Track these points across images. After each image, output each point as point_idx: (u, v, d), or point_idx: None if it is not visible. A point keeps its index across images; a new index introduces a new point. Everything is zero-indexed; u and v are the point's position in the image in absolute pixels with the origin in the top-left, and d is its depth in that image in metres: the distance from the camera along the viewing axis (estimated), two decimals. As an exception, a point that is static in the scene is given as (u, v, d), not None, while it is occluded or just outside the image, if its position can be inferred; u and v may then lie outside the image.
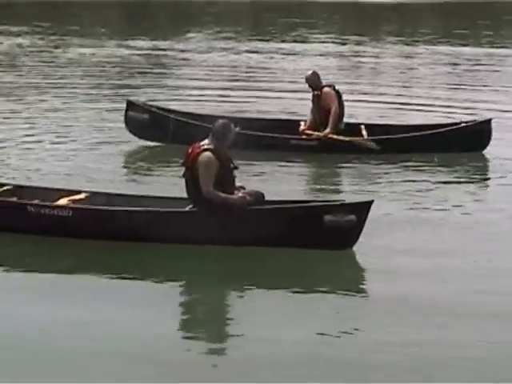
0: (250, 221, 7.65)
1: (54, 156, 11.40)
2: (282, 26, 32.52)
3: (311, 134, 11.76)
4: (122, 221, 7.83)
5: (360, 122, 12.50)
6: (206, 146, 7.77)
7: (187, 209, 7.89)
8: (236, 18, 37.23)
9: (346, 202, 7.90)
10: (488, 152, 12.02)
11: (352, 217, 7.61)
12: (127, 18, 40.26)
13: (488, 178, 11.27)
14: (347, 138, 11.58)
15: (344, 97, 12.12)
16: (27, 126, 13.12)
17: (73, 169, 10.76)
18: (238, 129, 11.27)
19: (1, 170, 10.47)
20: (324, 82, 12.01)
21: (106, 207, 8.03)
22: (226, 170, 7.79)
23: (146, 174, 10.82)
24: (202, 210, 7.73)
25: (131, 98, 12.77)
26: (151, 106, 12.37)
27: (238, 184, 8.00)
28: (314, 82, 11.90)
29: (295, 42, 26.92)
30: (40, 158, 11.25)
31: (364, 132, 11.99)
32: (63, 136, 12.56)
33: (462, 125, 12.06)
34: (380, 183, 10.51)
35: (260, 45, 25.66)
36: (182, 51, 23.48)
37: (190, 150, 7.89)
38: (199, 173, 7.67)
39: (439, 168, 11.30)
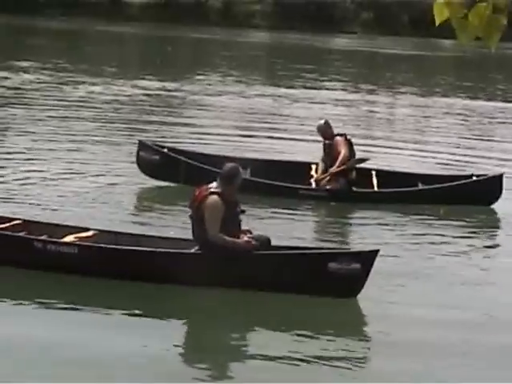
0: (255, 265, 7.66)
1: (65, 193, 11.40)
2: (296, 72, 32.78)
3: (324, 178, 11.76)
4: (127, 260, 7.86)
5: (371, 167, 12.48)
6: (213, 190, 7.81)
7: (193, 250, 7.90)
8: (250, 62, 37.59)
9: (352, 250, 7.90)
10: (497, 207, 11.97)
11: (357, 265, 7.62)
12: (141, 55, 40.71)
13: (495, 234, 11.19)
14: (343, 167, 11.61)
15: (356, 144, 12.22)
16: (39, 163, 13.09)
17: (83, 206, 10.80)
18: (248, 175, 11.39)
19: (13, 205, 10.51)
20: (336, 131, 12.08)
21: (111, 246, 8.05)
22: (233, 213, 7.82)
23: (156, 215, 10.82)
24: (208, 253, 7.74)
25: (143, 139, 12.84)
26: (162, 146, 12.43)
27: (244, 228, 8.02)
28: (325, 131, 11.96)
29: (307, 88, 27.12)
30: (52, 195, 11.26)
31: (374, 179, 12.02)
32: (75, 174, 12.57)
33: (474, 179, 12.02)
34: (387, 234, 10.48)
35: (271, 90, 25.83)
36: (193, 93, 23.64)
37: (197, 193, 7.94)
38: (205, 216, 7.70)
39: (447, 221, 11.24)
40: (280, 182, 11.74)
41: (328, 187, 11.73)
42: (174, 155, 12.06)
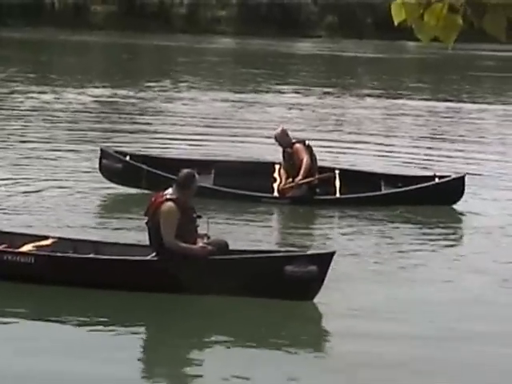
0: (211, 270, 7.67)
1: (27, 201, 11.39)
2: (258, 77, 32.87)
3: (289, 188, 11.76)
4: (83, 268, 7.86)
5: (334, 166, 12.52)
6: (168, 196, 7.82)
7: (149, 257, 7.90)
8: (211, 68, 37.62)
9: (308, 252, 7.92)
10: (458, 205, 12.03)
11: (313, 268, 7.64)
12: (103, 63, 40.58)
13: (456, 233, 11.22)
14: (313, 178, 11.66)
15: (319, 147, 12.24)
16: (1, 173, 13.00)
17: (46, 214, 10.78)
18: (212, 176, 11.41)
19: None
20: (298, 134, 12.06)
21: (65, 254, 8.06)
22: (188, 219, 7.84)
23: (119, 221, 10.77)
24: (164, 259, 7.74)
25: (104, 146, 12.79)
26: (125, 153, 12.41)
27: (202, 232, 8.03)
28: (283, 139, 11.90)
29: (268, 92, 27.20)
30: (13, 203, 11.23)
31: (337, 179, 12.05)
32: (37, 181, 12.54)
33: (436, 180, 12.02)
34: (348, 237, 10.47)
35: (230, 95, 25.89)
36: (150, 99, 23.64)
37: (153, 199, 7.94)
38: (161, 222, 7.70)
39: (407, 222, 11.26)
40: (244, 182, 11.75)
41: (290, 194, 11.73)
42: (135, 163, 12.04)
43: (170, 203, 7.75)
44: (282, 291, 7.67)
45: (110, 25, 71.56)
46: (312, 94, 27.09)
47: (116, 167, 11.97)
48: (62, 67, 35.66)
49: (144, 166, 11.93)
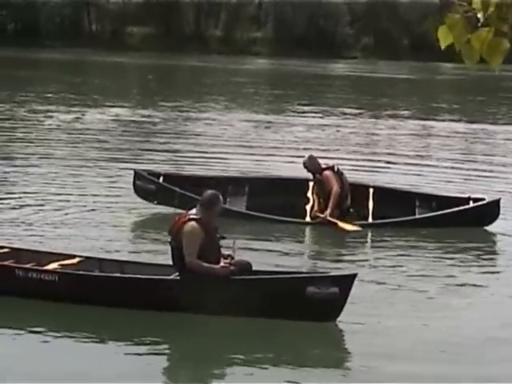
0: (233, 291, 7.66)
1: (59, 220, 11.45)
2: (291, 97, 32.96)
3: (320, 217, 11.68)
4: (106, 287, 7.89)
5: (368, 184, 12.43)
6: (192, 216, 7.85)
7: (172, 277, 7.93)
8: (243, 89, 37.75)
9: (330, 274, 7.90)
10: (492, 227, 11.84)
11: (335, 289, 7.60)
12: (138, 84, 40.94)
13: (490, 257, 10.90)
14: (337, 222, 11.51)
15: (352, 167, 12.17)
16: (34, 191, 13.13)
17: (77, 234, 10.81)
18: (246, 193, 11.45)
19: (6, 233, 10.54)
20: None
21: (87, 273, 8.10)
22: (212, 239, 7.85)
23: (150, 240, 10.76)
24: (186, 279, 7.77)
25: (138, 169, 12.79)
26: (158, 174, 12.48)
27: (226, 253, 8.05)
28: (312, 166, 11.88)
29: (302, 112, 27.26)
30: (47, 222, 11.31)
31: (371, 198, 11.98)
32: (69, 201, 12.61)
33: (471, 203, 11.88)
34: (377, 258, 10.33)
35: (263, 116, 26.03)
36: (182, 119, 23.82)
37: (176, 219, 7.98)
38: (183, 242, 7.73)
39: (439, 244, 11.08)
40: (278, 200, 11.78)
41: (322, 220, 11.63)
42: (168, 185, 12.09)
43: (193, 223, 7.78)
44: (304, 312, 7.63)
45: (146, 46, 72.29)
46: (346, 115, 27.11)
47: (149, 188, 12.15)
48: (96, 88, 36.08)
49: (177, 188, 11.91)
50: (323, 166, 11.89)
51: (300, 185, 12.16)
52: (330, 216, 11.56)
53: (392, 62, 72.43)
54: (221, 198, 8.09)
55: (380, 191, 12.20)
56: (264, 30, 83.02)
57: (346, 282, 7.67)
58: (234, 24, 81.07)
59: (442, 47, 3.47)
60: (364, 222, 11.74)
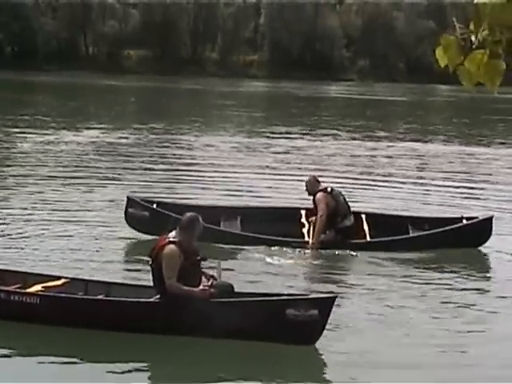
0: (212, 313, 7.64)
1: (48, 242, 11.40)
2: (284, 120, 33.03)
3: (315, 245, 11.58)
4: (86, 309, 7.87)
5: (360, 210, 12.42)
6: (171, 239, 7.84)
7: (153, 299, 7.92)
8: (239, 112, 37.80)
9: (309, 296, 7.87)
10: (485, 247, 11.80)
11: (315, 312, 7.57)
12: (132, 106, 41.04)
13: (482, 277, 10.81)
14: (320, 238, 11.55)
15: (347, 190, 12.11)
16: (25, 215, 13.02)
17: (65, 256, 10.76)
18: (239, 223, 11.36)
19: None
20: (328, 178, 11.94)
21: (68, 295, 8.08)
22: (191, 262, 7.83)
23: (140, 262, 10.56)
24: (166, 301, 7.75)
25: (130, 195, 12.52)
26: (151, 202, 12.18)
27: (210, 273, 8.04)
28: (311, 186, 11.87)
29: (294, 135, 27.33)
30: (35, 245, 11.22)
31: (365, 223, 11.96)
32: (60, 221, 12.54)
33: (464, 222, 11.85)
34: (369, 280, 10.25)
35: (257, 139, 26.07)
36: (174, 143, 23.85)
37: (157, 242, 7.98)
38: (163, 265, 7.72)
39: (431, 265, 11.02)
40: (271, 228, 11.60)
41: (320, 239, 11.60)
42: (163, 211, 11.70)
43: (171, 246, 7.76)
44: (283, 335, 7.58)
45: (142, 69, 72.59)
46: (340, 138, 27.19)
47: (142, 215, 11.76)
48: (90, 111, 36.23)
49: (172, 214, 11.44)
50: (319, 188, 11.86)
51: (293, 214, 12.09)
52: (313, 244, 11.55)
53: (388, 84, 72.73)
54: (200, 220, 8.05)
55: (372, 217, 12.20)
56: (260, 52, 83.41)
57: (325, 305, 7.62)
58: (231, 47, 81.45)
59: (442, 65, 3.49)
60: (361, 241, 11.72)
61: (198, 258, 7.99)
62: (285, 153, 22.66)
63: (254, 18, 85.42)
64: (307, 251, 11.50)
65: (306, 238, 11.76)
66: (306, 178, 12.17)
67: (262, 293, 8.26)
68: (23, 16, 72.12)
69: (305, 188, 11.99)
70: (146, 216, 11.80)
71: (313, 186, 11.88)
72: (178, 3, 78.76)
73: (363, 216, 12.14)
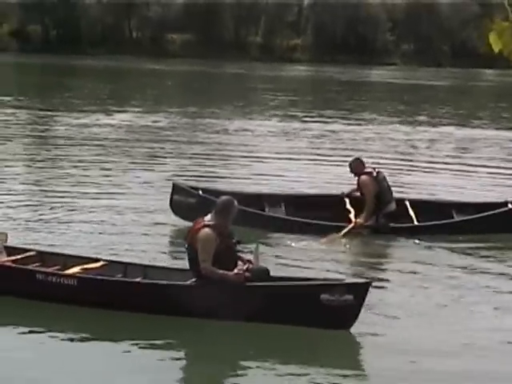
0: (246, 297, 7.66)
1: (92, 226, 11.45)
2: (328, 104, 32.85)
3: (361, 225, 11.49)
4: (122, 291, 7.94)
5: (404, 197, 12.28)
6: (206, 222, 7.86)
7: (189, 282, 7.95)
8: (284, 96, 37.68)
9: (344, 281, 7.85)
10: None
11: (349, 297, 7.55)
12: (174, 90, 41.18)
13: None
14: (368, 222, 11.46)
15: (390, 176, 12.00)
16: (70, 199, 13.13)
17: (110, 239, 10.81)
18: (283, 210, 11.38)
19: (41, 237, 10.69)
20: (371, 163, 11.84)
21: (105, 277, 8.16)
22: (226, 245, 7.85)
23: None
24: (201, 284, 7.79)
25: (176, 181, 12.36)
26: (197, 188, 11.97)
27: (247, 258, 8.05)
28: (355, 167, 11.78)
29: (338, 118, 27.20)
30: (81, 227, 11.31)
31: (410, 210, 11.86)
32: (104, 207, 12.58)
33: (510, 206, 11.70)
34: (412, 266, 10.10)
35: (300, 124, 25.98)
36: (217, 128, 23.83)
37: (193, 225, 8.01)
38: (198, 249, 7.75)
39: (476, 251, 10.87)
40: (317, 215, 11.52)
41: (367, 224, 11.52)
42: (210, 197, 11.29)
43: (207, 229, 7.78)
44: (318, 320, 7.57)
45: (186, 53, 72.73)
46: (384, 123, 26.99)
47: (189, 202, 11.50)
48: (129, 94, 36.42)
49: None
50: (365, 170, 11.78)
51: (337, 201, 11.94)
52: (361, 224, 11.45)
53: (432, 68, 71.96)
54: (235, 203, 8.06)
55: (416, 203, 12.09)
56: (304, 36, 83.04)
57: (360, 290, 7.61)
58: (274, 31, 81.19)
59: (496, 51, 3.48)
60: (409, 225, 11.63)
61: (234, 241, 8.00)
62: (322, 136, 22.59)
63: (297, 2, 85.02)
64: (349, 236, 11.35)
65: (351, 222, 11.57)
66: (350, 159, 12.08)
67: (297, 277, 8.26)
68: (68, 0, 72.67)
69: (349, 169, 11.90)
70: (193, 203, 11.54)
71: (357, 167, 11.80)
72: (222, -13, 78.72)
73: (407, 202, 12.03)
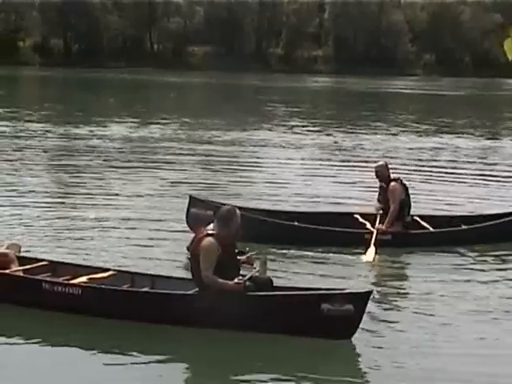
0: (247, 307, 7.68)
1: (106, 238, 11.51)
2: (350, 115, 32.80)
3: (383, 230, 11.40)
4: (125, 301, 7.98)
5: (412, 213, 12.00)
6: (209, 231, 7.91)
7: (191, 292, 7.99)
8: (306, 109, 37.65)
9: (344, 291, 7.84)
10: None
11: (350, 307, 7.54)
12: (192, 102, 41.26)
13: None
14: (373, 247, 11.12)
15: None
16: (87, 208, 13.26)
17: (123, 251, 10.84)
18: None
19: (54, 248, 10.78)
20: (392, 175, 11.78)
21: (109, 287, 8.21)
22: (229, 255, 7.88)
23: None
24: (202, 294, 7.83)
25: (193, 194, 12.20)
26: (214, 201, 11.67)
27: (250, 266, 8.08)
28: (382, 173, 11.75)
29: (358, 130, 27.19)
30: (94, 239, 11.38)
31: (423, 223, 11.79)
32: (120, 220, 12.62)
33: None
34: (419, 276, 10.08)
35: (323, 138, 25.99)
36: (235, 142, 23.86)
37: (196, 235, 8.06)
38: (200, 258, 7.80)
39: (487, 260, 10.86)
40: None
41: (388, 230, 11.44)
42: None
43: (209, 238, 7.81)
44: (319, 330, 7.54)
45: (207, 65, 73.02)
46: (404, 134, 26.94)
47: (207, 215, 10.87)
48: (151, 107, 36.60)
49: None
50: (391, 177, 11.75)
51: (349, 219, 11.78)
52: (383, 230, 11.35)
53: (454, 78, 71.71)
54: (238, 213, 8.09)
55: (426, 219, 11.95)
56: (325, 48, 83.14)
57: (360, 300, 7.59)
58: (295, 42, 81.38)
59: (510, 58, 3.44)
60: (426, 231, 11.61)
61: (236, 251, 8.04)
62: (347, 148, 22.52)
63: (317, 14, 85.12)
64: (364, 246, 11.13)
65: (370, 228, 11.42)
66: (375, 165, 11.99)
67: (298, 287, 8.25)
68: (90, 15, 73.31)
69: (376, 174, 11.82)
70: (211, 216, 11.40)
71: (384, 174, 11.75)
72: (243, 0, 79.03)
73: (417, 218, 11.88)
